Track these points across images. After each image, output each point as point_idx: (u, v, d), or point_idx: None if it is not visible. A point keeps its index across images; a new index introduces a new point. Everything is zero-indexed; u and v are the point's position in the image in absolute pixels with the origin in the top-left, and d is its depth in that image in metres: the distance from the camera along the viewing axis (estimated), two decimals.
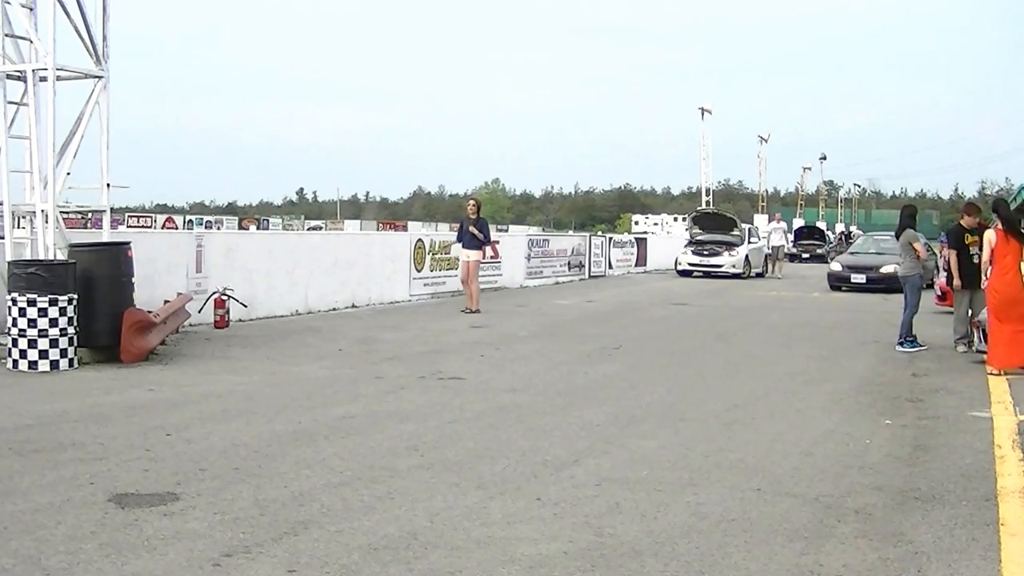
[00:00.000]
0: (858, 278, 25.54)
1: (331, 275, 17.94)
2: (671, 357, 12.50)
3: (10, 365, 10.36)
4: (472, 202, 19.06)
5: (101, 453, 6.76)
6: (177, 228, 51.89)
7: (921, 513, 5.69)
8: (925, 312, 15.32)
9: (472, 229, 18.27)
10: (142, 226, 52.12)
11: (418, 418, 8.19)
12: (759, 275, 32.02)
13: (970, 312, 13.08)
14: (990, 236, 11.54)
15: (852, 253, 28.32)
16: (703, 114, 56.41)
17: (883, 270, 24.75)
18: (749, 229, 33.77)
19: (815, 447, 7.36)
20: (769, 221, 34.71)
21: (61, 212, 11.68)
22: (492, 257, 20.58)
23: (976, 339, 12.07)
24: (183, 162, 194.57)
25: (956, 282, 13.11)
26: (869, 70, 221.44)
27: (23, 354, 10.28)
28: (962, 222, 13.44)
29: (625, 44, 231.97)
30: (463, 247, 18.40)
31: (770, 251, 33.86)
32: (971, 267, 12.89)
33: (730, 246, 31.68)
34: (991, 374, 10.92)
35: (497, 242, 21.23)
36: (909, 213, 14.49)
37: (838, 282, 26.05)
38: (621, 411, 8.67)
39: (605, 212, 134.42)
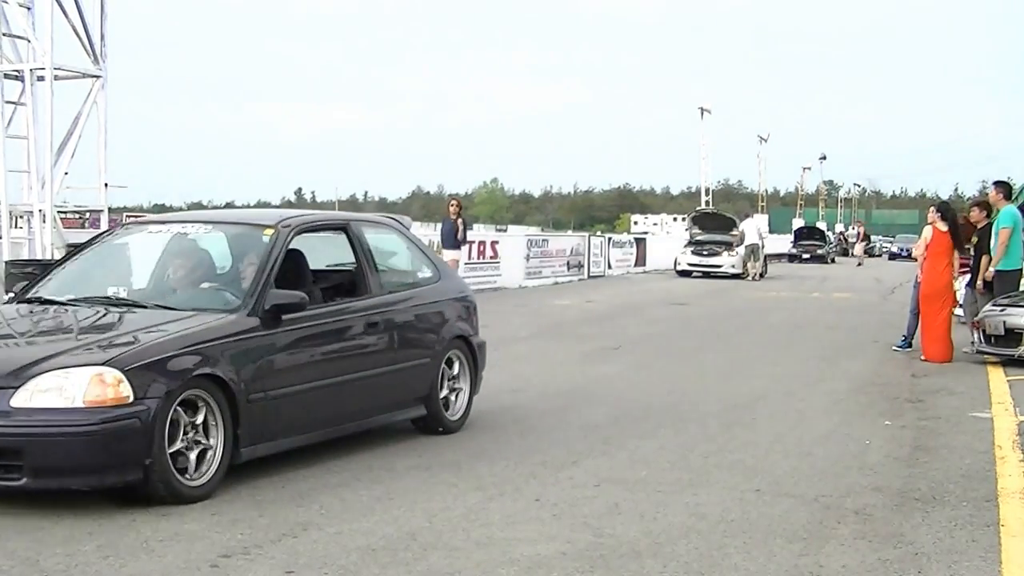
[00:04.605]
0: None
1: None
2: (670, 357, 12.48)
3: None
4: (453, 202, 19.53)
5: None
6: None
7: (921, 514, 5.68)
8: None
9: (457, 224, 18.66)
10: None
11: None
12: (749, 276, 30.76)
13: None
14: (926, 233, 12.21)
15: None
16: (702, 114, 56.44)
17: None
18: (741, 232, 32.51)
19: (815, 448, 7.35)
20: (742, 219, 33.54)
21: (59, 212, 11.67)
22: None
23: (977, 339, 12.07)
24: (181, 161, 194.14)
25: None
26: (869, 70, 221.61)
27: None
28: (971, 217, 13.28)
29: (624, 43, 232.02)
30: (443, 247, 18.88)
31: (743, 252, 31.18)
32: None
33: (730, 246, 31.57)
34: (922, 360, 11.80)
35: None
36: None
37: None
38: (620, 411, 8.65)
39: (604, 212, 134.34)
